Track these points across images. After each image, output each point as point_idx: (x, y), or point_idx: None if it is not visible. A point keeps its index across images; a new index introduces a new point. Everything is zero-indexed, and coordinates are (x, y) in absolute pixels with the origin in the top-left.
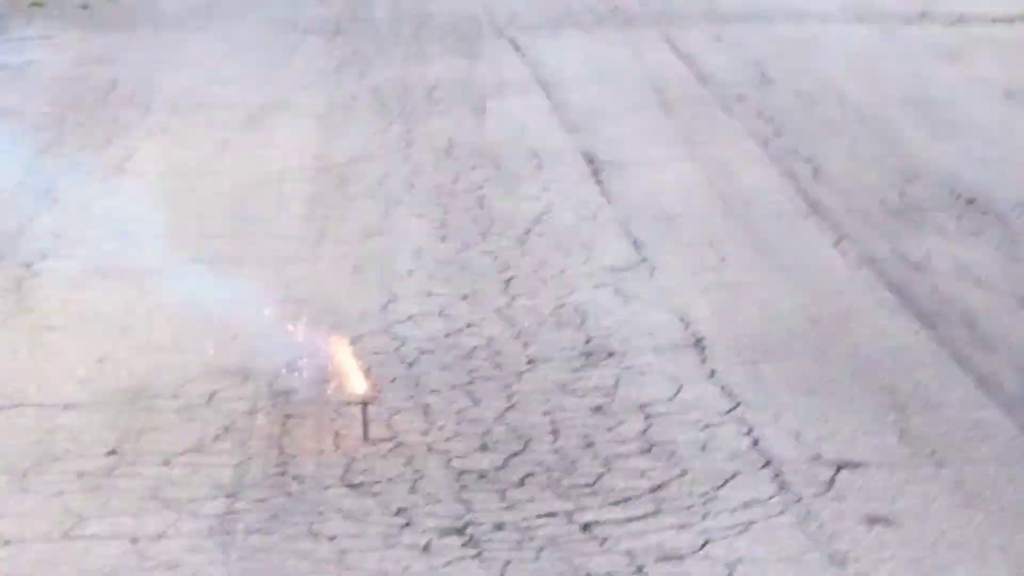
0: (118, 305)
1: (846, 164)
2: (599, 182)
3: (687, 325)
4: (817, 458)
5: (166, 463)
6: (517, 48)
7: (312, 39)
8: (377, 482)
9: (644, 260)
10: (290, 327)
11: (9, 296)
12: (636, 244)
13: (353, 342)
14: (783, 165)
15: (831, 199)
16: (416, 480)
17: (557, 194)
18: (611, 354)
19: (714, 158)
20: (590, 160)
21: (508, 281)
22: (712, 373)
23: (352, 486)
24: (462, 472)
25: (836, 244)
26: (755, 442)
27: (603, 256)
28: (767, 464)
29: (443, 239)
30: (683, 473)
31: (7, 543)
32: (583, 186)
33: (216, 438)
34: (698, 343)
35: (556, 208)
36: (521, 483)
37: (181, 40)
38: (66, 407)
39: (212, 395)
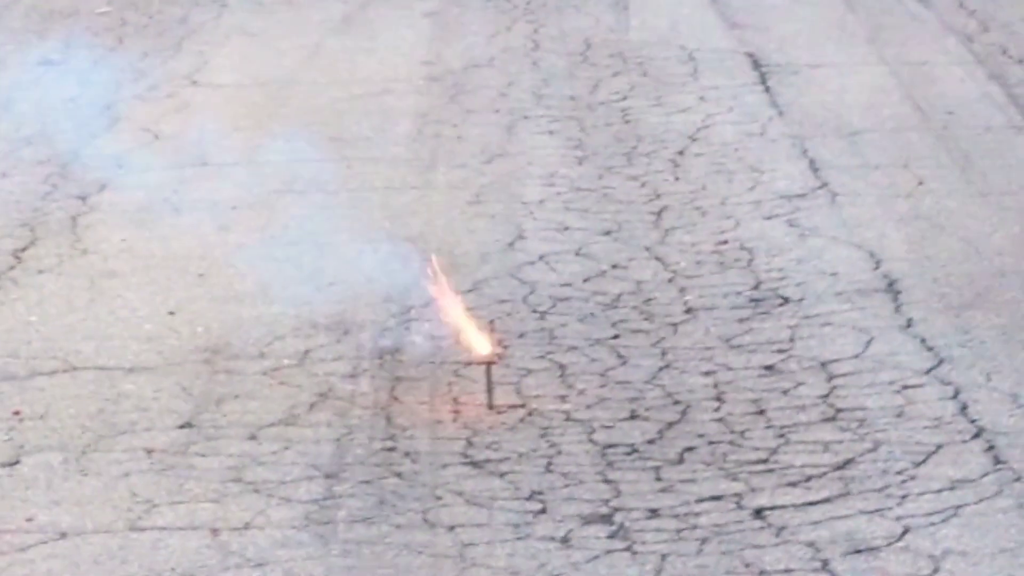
0: (192, 246)
1: None
2: (768, 89)
3: (877, 264)
4: None
5: (251, 437)
6: None
7: None
8: (505, 459)
9: (824, 185)
10: (398, 269)
11: (63, 236)
12: (814, 165)
13: (474, 288)
14: (991, 67)
15: None
16: (552, 457)
17: (717, 104)
18: (786, 301)
19: (907, 60)
20: (756, 63)
21: (659, 212)
22: (909, 323)
23: (475, 464)
24: (607, 447)
25: None
26: (962, 408)
27: (774, 180)
28: (978, 435)
29: (580, 161)
30: (875, 446)
31: (63, 535)
32: (748, 94)
33: (311, 407)
34: (891, 286)
35: (716, 122)
36: (679, 460)
37: None
38: (131, 370)
39: (305, 354)
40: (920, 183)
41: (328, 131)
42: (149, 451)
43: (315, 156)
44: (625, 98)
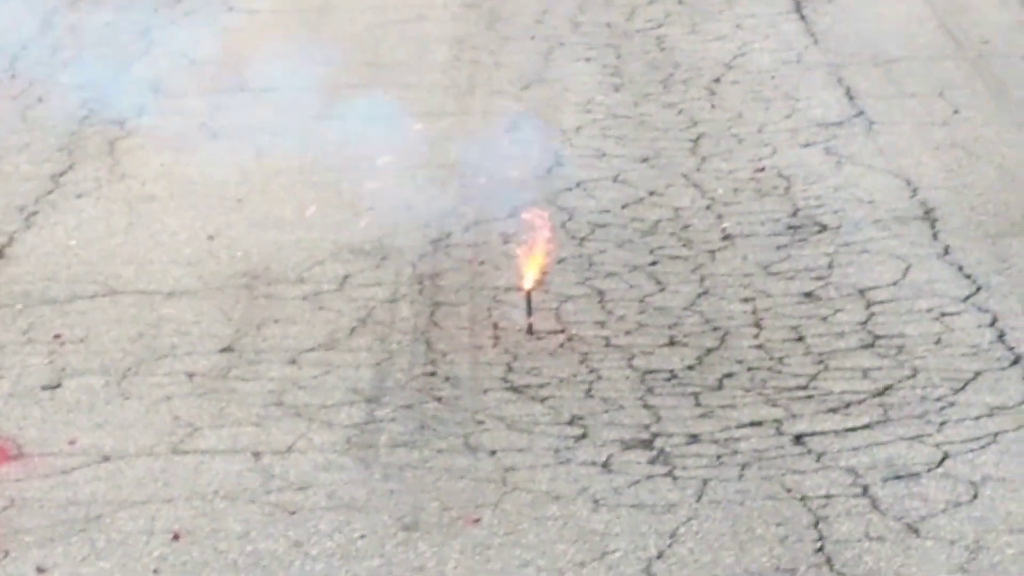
0: (230, 171)
1: None
2: (803, 17)
3: (914, 192)
4: None
5: (292, 362)
6: None
7: None
8: (545, 384)
9: (860, 113)
10: (436, 195)
11: (101, 160)
12: (850, 93)
13: (512, 214)
14: None
15: None
16: (592, 382)
17: (753, 32)
18: (823, 228)
19: None
20: None
21: (696, 139)
22: (946, 250)
23: (515, 389)
24: (647, 372)
25: None
26: (1000, 335)
27: (810, 108)
28: (1016, 362)
29: (616, 88)
30: (914, 373)
31: (106, 458)
32: (784, 22)
33: (351, 331)
34: (928, 214)
35: (752, 50)
36: (719, 386)
37: None
38: (171, 294)
39: (345, 279)
40: (956, 111)
41: (365, 57)
42: (190, 375)
43: (352, 82)
44: (661, 25)
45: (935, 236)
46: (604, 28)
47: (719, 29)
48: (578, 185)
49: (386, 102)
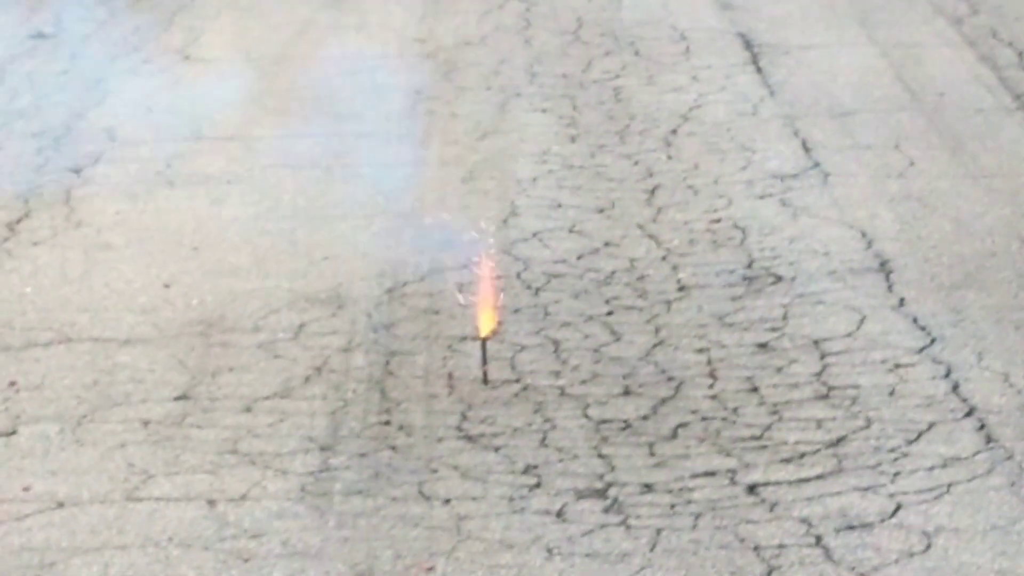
0: (187, 218)
1: None
2: (759, 69)
3: (869, 244)
4: None
5: (247, 410)
6: None
7: None
8: (500, 433)
9: (816, 165)
10: (391, 244)
11: (57, 208)
12: (806, 145)
13: (467, 265)
14: (981, 49)
15: None
16: (547, 432)
17: (709, 84)
18: (778, 279)
19: (897, 41)
20: (748, 43)
21: (652, 191)
22: (901, 302)
23: (470, 438)
24: (601, 422)
25: None
26: (954, 386)
27: (766, 160)
28: (970, 413)
29: (573, 139)
30: (868, 424)
31: (60, 505)
32: (740, 74)
33: (306, 380)
34: (883, 266)
35: (708, 101)
36: (673, 435)
37: None
38: (126, 342)
39: (300, 328)
40: (911, 164)
41: (321, 106)
42: (145, 422)
43: (309, 132)
44: (617, 77)
45: (890, 288)
46: (560, 79)
47: (675, 81)
48: (534, 235)
49: (342, 152)
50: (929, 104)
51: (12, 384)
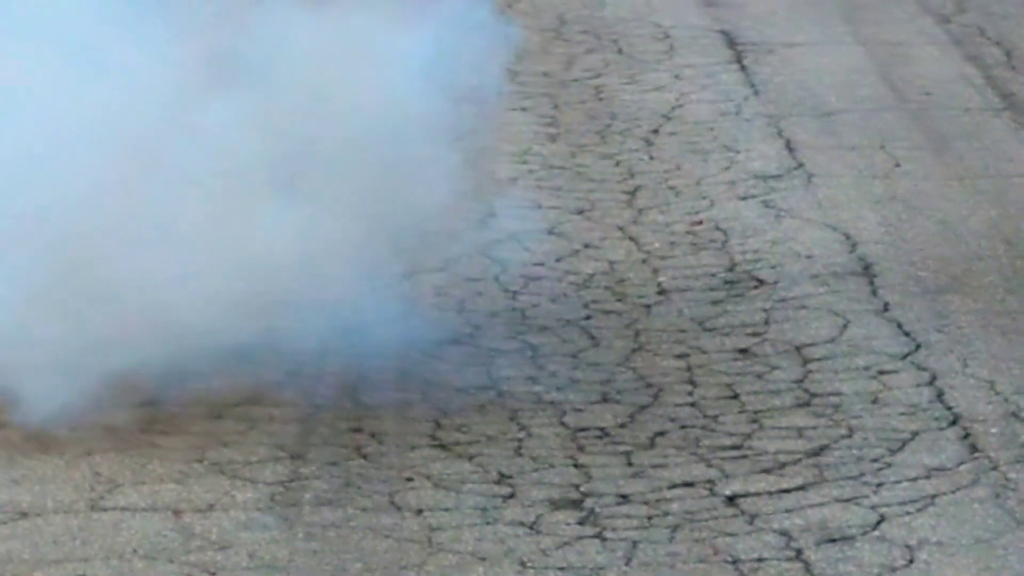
0: None
1: None
2: (743, 69)
3: (853, 247)
4: (1016, 415)
5: (216, 416)
6: None
7: None
8: (474, 441)
9: (800, 166)
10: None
11: None
12: (790, 146)
13: (444, 267)
14: (968, 48)
15: None
16: (522, 440)
17: (692, 83)
18: (760, 283)
19: (883, 40)
20: (731, 42)
21: (633, 192)
22: (885, 307)
23: (443, 446)
24: (578, 430)
25: None
26: (939, 394)
27: (749, 161)
28: (954, 422)
29: (553, 139)
30: (850, 433)
31: (23, 515)
32: (723, 74)
33: (276, 386)
34: (867, 270)
35: (691, 100)
36: (651, 444)
37: None
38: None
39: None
40: (896, 165)
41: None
42: (109, 429)
43: None
44: (599, 75)
45: (874, 292)
46: (541, 77)
47: (658, 79)
48: (512, 237)
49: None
50: (915, 104)
51: None
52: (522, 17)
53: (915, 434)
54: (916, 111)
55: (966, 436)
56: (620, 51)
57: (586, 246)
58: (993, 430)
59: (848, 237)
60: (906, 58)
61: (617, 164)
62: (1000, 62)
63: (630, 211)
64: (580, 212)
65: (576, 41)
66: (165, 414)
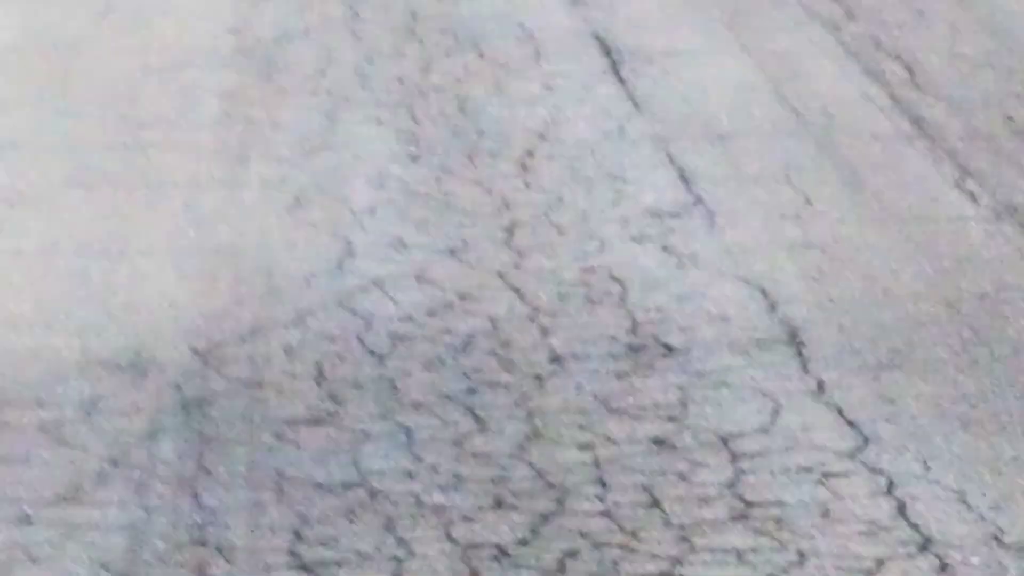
0: None
1: (949, 63)
2: (621, 80)
3: (773, 306)
4: (998, 540)
5: (24, 520)
6: None
7: None
8: (344, 560)
9: (698, 201)
10: (205, 290)
11: None
12: (684, 175)
13: (296, 322)
14: (865, 62)
15: (938, 114)
16: (402, 560)
17: (566, 95)
18: (670, 350)
19: (770, 49)
20: (605, 48)
21: (510, 228)
22: (820, 386)
23: (305, 567)
24: (469, 547)
25: (959, 183)
26: (901, 506)
27: (640, 192)
28: (925, 547)
29: (414, 159)
30: (801, 559)
31: None
32: (601, 85)
33: (99, 478)
34: (793, 336)
35: (567, 117)
36: (560, 568)
37: None
38: None
39: (93, 403)
40: (807, 202)
41: (120, 110)
42: None
43: (104, 141)
44: (460, 82)
45: (805, 367)
46: (396, 83)
47: (527, 90)
48: (375, 283)
49: (147, 168)
50: (817, 127)
51: None
52: (370, 12)
53: (880, 563)
54: (820, 136)
55: (943, 568)
56: (481, 55)
57: (462, 297)
58: (974, 559)
59: (765, 294)
60: (799, 72)
61: (489, 193)
62: (903, 80)
63: (509, 253)
64: (452, 252)
65: (432, 41)
66: None
